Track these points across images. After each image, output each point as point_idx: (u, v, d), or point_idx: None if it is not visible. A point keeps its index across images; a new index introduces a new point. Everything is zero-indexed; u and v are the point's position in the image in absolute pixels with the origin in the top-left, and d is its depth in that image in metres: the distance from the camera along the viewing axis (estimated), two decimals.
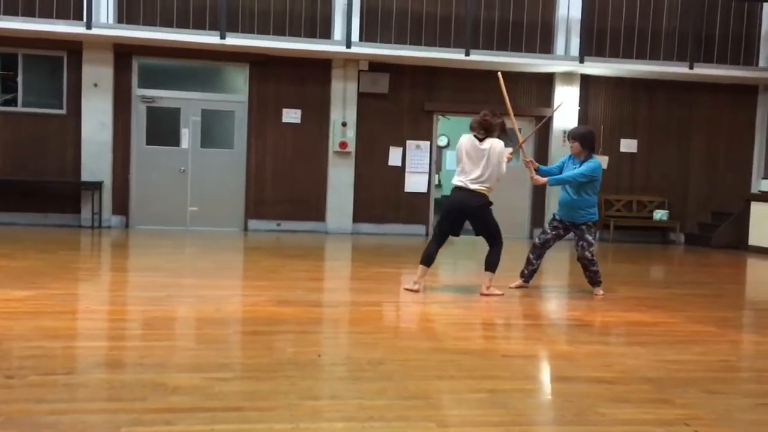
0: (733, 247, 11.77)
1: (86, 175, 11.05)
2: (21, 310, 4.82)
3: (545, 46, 12.04)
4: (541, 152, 11.91)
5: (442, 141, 14.94)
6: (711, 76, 12.05)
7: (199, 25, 11.14)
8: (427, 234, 11.99)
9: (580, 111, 12.17)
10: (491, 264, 6.14)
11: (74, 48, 10.98)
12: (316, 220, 11.80)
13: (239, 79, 11.74)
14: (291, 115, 11.67)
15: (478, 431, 2.89)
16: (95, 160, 11.08)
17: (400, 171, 12.01)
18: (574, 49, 11.76)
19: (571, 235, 6.57)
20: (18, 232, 10.04)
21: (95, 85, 11.00)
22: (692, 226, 12.73)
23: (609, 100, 12.47)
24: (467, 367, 3.80)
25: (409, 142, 12.00)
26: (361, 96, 11.70)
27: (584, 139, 6.36)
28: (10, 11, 10.64)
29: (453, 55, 11.27)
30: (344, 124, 11.59)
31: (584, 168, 6.27)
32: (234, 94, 11.77)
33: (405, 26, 11.66)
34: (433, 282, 6.71)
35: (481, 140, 5.95)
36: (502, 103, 6.57)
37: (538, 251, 6.57)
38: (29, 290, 5.50)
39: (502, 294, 6.12)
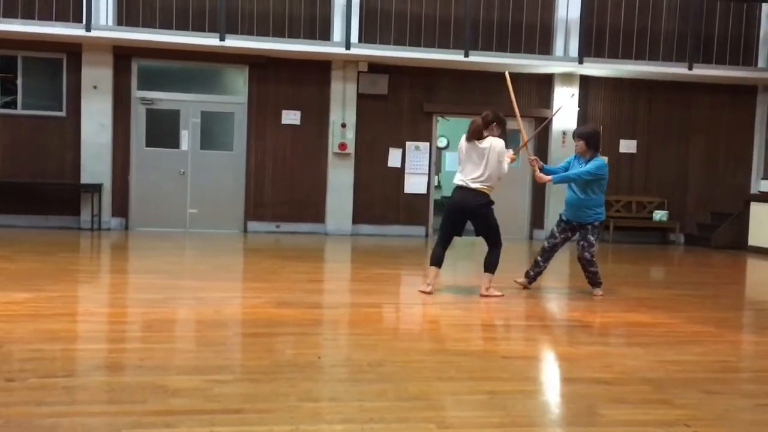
0: (733, 247, 11.78)
1: (86, 177, 11.05)
2: (21, 312, 4.82)
3: (544, 47, 12.05)
4: (541, 153, 11.90)
5: (441, 142, 14.95)
6: (710, 77, 12.06)
7: (199, 27, 11.15)
8: (427, 235, 12.00)
9: (579, 112, 12.18)
10: (491, 265, 6.14)
11: (74, 50, 10.99)
12: (315, 221, 11.80)
13: (239, 80, 11.74)
14: (290, 117, 11.68)
15: None
16: (95, 162, 11.08)
17: (400, 172, 12.02)
18: (573, 49, 11.77)
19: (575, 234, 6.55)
20: (17, 234, 10.04)
21: (95, 87, 11.01)
22: (692, 226, 12.74)
23: (608, 101, 12.48)
24: (467, 368, 3.81)
25: (408, 144, 12.00)
26: (361, 97, 11.70)
27: (590, 138, 6.34)
28: (10, 13, 10.65)
29: (452, 56, 11.28)
30: (344, 126, 11.60)
31: (590, 166, 6.24)
32: (233, 96, 11.77)
33: (404, 27, 11.67)
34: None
35: (480, 139, 5.96)
36: (504, 104, 6.56)
37: (547, 254, 6.54)
38: (29, 293, 5.49)
39: (502, 295, 6.12)
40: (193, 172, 11.59)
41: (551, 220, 11.97)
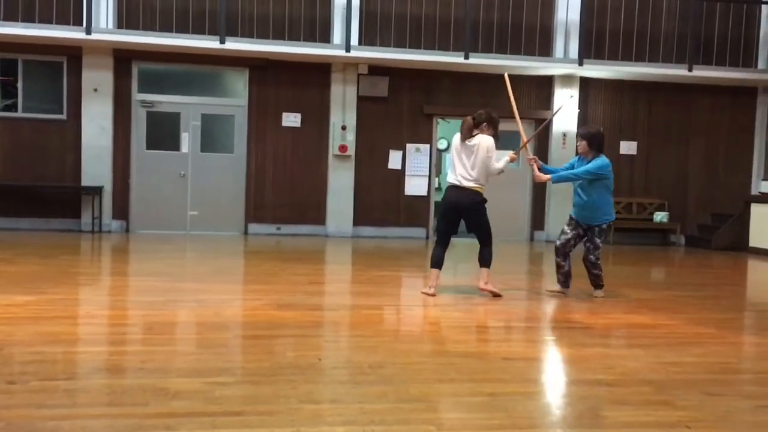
0: (733, 248, 11.78)
1: (86, 180, 11.06)
2: (22, 315, 4.82)
3: (544, 49, 12.06)
4: (542, 154, 11.89)
5: (441, 144, 14.94)
6: (710, 78, 12.07)
7: (199, 30, 11.16)
8: (427, 237, 12.01)
9: (579, 114, 12.19)
10: (486, 260, 6.18)
11: (74, 53, 11.00)
12: (316, 223, 11.81)
13: (239, 83, 11.76)
14: (291, 119, 11.69)
15: None
16: (95, 164, 11.09)
17: (400, 174, 12.02)
18: (573, 51, 11.78)
19: None
20: (18, 237, 10.05)
21: (95, 90, 11.02)
22: (692, 228, 12.74)
23: (608, 103, 12.49)
24: (468, 370, 3.80)
25: (408, 146, 12.01)
26: (361, 99, 11.71)
27: (592, 139, 6.22)
28: (10, 17, 10.67)
29: (452, 59, 11.29)
30: (344, 128, 11.61)
31: (590, 165, 6.15)
32: (234, 99, 11.78)
33: (404, 30, 11.68)
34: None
35: (470, 138, 6.00)
36: (505, 106, 6.57)
37: (562, 253, 6.35)
38: (30, 295, 5.49)
39: (500, 295, 6.15)
40: (193, 175, 11.59)
41: (552, 222, 12.02)
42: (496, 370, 3.85)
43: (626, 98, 12.50)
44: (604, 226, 6.29)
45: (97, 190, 11.03)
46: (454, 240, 6.41)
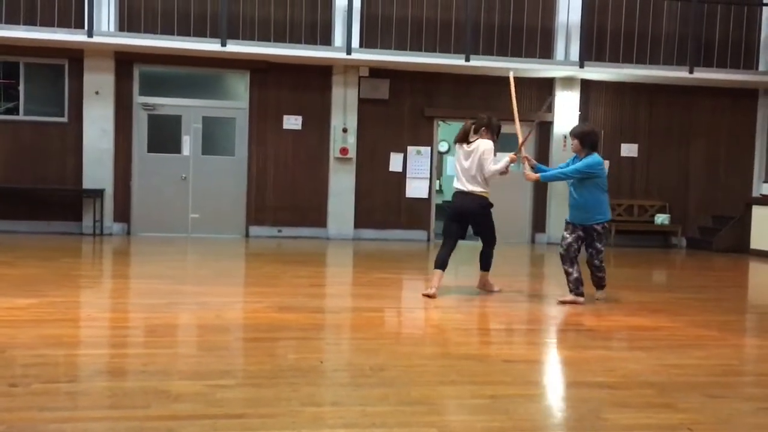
0: (735, 250, 11.77)
1: (88, 183, 11.07)
2: (23, 318, 4.83)
3: (545, 51, 12.06)
4: (542, 155, 11.90)
5: (442, 146, 14.95)
6: (711, 81, 12.07)
7: (200, 33, 11.17)
8: (428, 239, 12.01)
9: (580, 116, 12.18)
10: (487, 264, 6.37)
11: (75, 56, 11.02)
12: (317, 226, 11.81)
13: (240, 85, 11.77)
14: (292, 122, 11.70)
15: None
16: (97, 167, 11.10)
17: (401, 177, 12.02)
18: (574, 53, 11.78)
19: None
20: (20, 239, 10.05)
21: (96, 92, 11.03)
22: (693, 230, 12.73)
23: (609, 105, 12.49)
24: (469, 372, 3.81)
25: (409, 148, 12.02)
26: (362, 102, 11.72)
27: (583, 137, 6.08)
28: (12, 20, 10.68)
29: (453, 61, 11.29)
30: (345, 130, 11.61)
31: (580, 163, 6.03)
32: (235, 101, 11.79)
33: (405, 32, 11.69)
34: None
35: (468, 143, 6.05)
36: (507, 108, 6.59)
37: (567, 259, 6.19)
38: (31, 298, 5.50)
39: (500, 291, 6.34)
40: (194, 177, 11.60)
41: (553, 224, 12.02)
42: (497, 372, 3.85)
43: (627, 100, 12.50)
44: (602, 228, 6.17)
45: (99, 193, 11.04)
46: (460, 241, 6.46)
